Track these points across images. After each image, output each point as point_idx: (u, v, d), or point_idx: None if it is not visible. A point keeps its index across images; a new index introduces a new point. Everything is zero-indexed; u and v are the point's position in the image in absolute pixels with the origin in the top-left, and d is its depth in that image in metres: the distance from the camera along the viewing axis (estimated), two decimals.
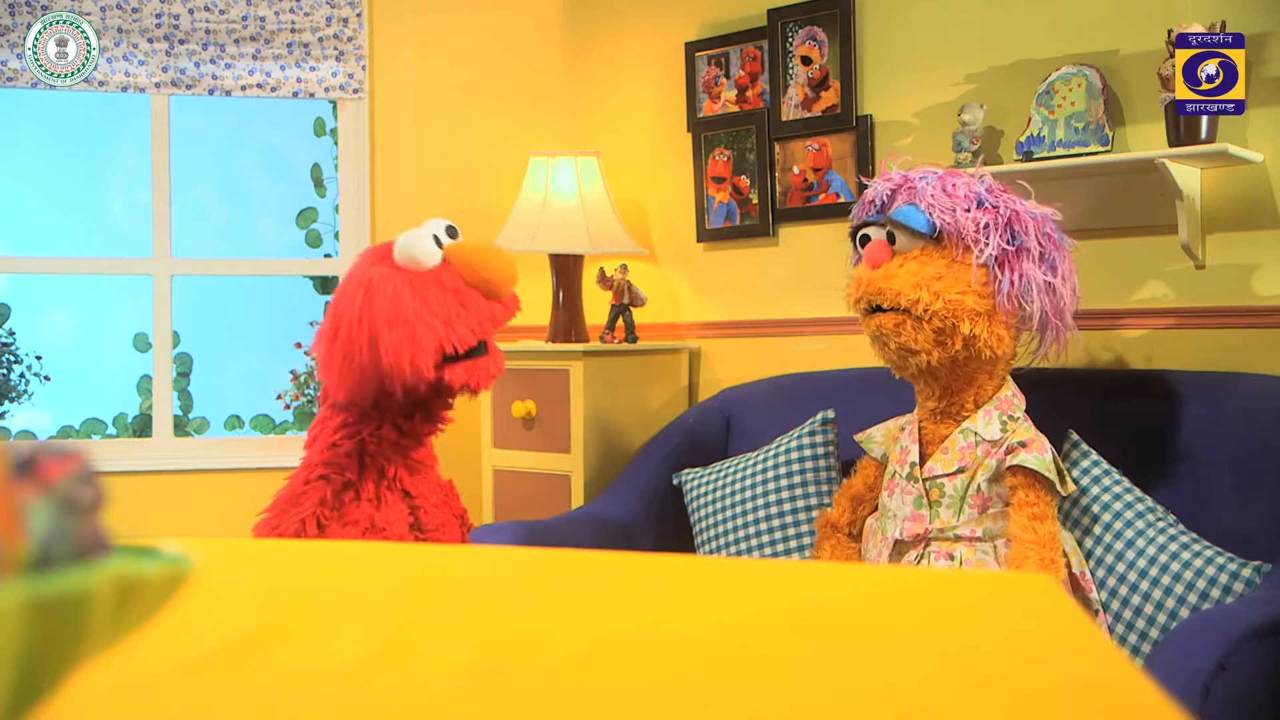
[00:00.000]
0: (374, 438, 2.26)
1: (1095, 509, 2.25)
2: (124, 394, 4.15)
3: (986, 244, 2.12)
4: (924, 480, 2.24)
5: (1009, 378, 2.28)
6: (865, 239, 2.27)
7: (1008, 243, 2.13)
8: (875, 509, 2.41)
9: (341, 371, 2.18)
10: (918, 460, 2.26)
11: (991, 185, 2.21)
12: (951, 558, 2.19)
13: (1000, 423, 2.21)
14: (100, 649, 0.42)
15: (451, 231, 2.29)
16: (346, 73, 3.66)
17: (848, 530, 2.47)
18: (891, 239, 2.21)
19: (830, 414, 2.76)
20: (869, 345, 2.31)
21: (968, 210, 2.14)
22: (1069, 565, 2.16)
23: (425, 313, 2.14)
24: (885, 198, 2.24)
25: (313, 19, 3.64)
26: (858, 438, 2.50)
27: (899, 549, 2.26)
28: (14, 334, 4.07)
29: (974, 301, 2.13)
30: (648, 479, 3.00)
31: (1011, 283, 2.12)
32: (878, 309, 2.20)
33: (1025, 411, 2.26)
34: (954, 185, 2.18)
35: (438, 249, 2.22)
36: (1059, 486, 2.13)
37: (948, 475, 2.21)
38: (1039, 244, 2.15)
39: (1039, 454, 2.14)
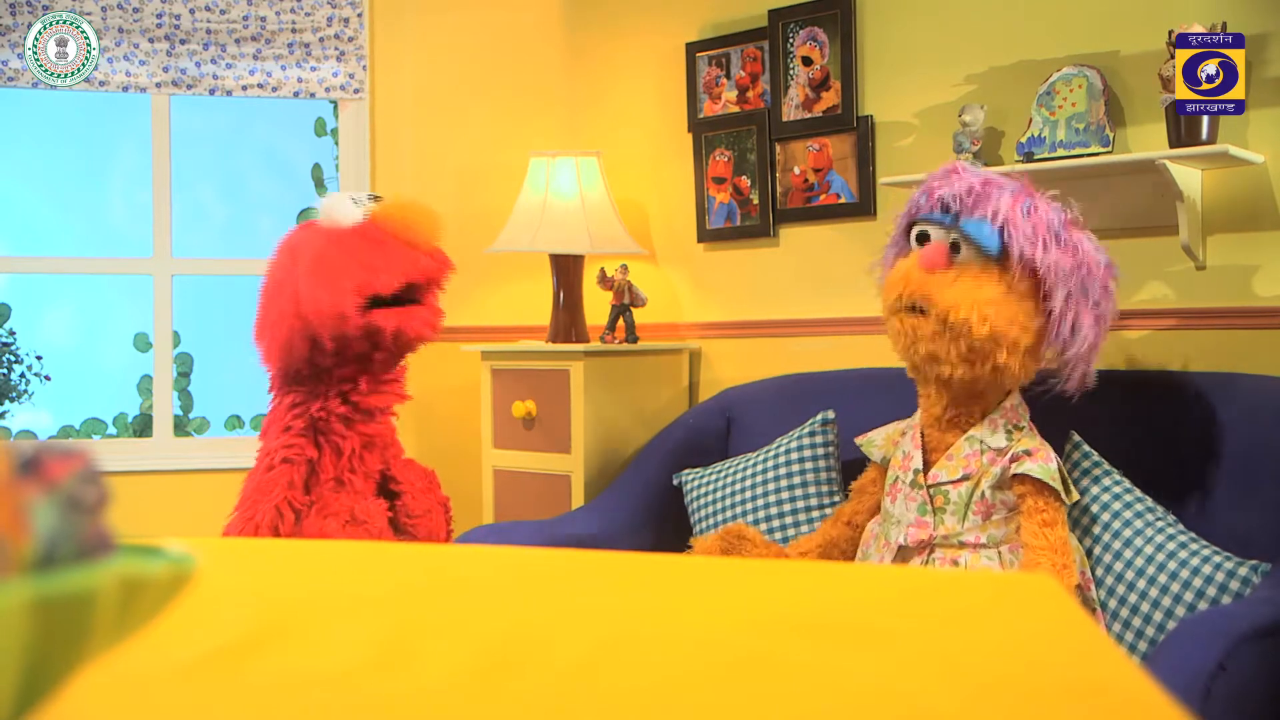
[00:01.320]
0: (323, 412, 2.26)
1: (1095, 509, 2.25)
2: (124, 394, 4.15)
3: (1054, 288, 2.07)
4: (928, 487, 2.23)
5: (1015, 389, 2.27)
6: (923, 235, 2.20)
7: (1078, 290, 2.09)
8: (877, 508, 2.41)
9: (272, 334, 2.21)
10: (921, 467, 2.26)
11: (1072, 219, 2.14)
12: (956, 564, 2.20)
13: (1006, 431, 2.21)
14: (104, 648, 0.42)
15: (375, 199, 2.31)
16: (347, 73, 3.66)
17: (849, 519, 2.47)
18: (956, 247, 2.14)
19: (830, 414, 2.76)
20: (886, 341, 2.28)
21: (1046, 247, 2.07)
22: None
23: (346, 260, 2.17)
24: (960, 201, 2.13)
25: (313, 19, 3.64)
26: (858, 441, 2.49)
27: (903, 554, 2.25)
28: (14, 334, 4.07)
29: (1019, 334, 2.10)
30: (648, 479, 3.00)
31: (1070, 329, 2.09)
32: (917, 310, 2.15)
33: (1030, 418, 2.26)
34: (1034, 210, 2.10)
35: (357, 208, 2.24)
36: (1064, 495, 2.13)
37: (952, 482, 2.21)
38: (1101, 289, 2.12)
39: (1044, 463, 2.13)
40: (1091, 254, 2.12)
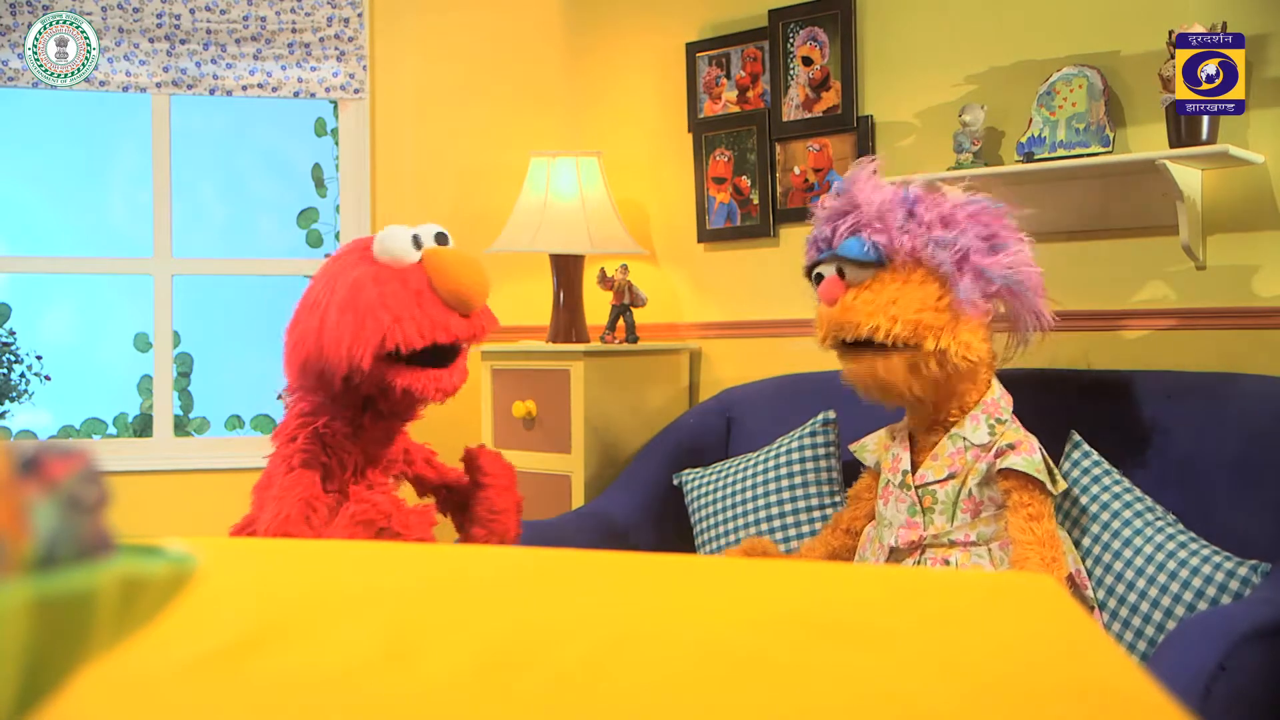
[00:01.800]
0: (327, 429, 2.24)
1: (1094, 508, 2.25)
2: (124, 394, 4.15)
3: (932, 257, 2.10)
4: (916, 488, 2.24)
5: (994, 380, 2.27)
6: (820, 278, 2.27)
7: (951, 244, 2.11)
8: (874, 514, 2.41)
9: (292, 351, 2.18)
10: (909, 468, 2.27)
11: (918, 193, 2.19)
12: (947, 563, 2.20)
13: (988, 426, 2.21)
14: (104, 648, 0.42)
15: (441, 238, 2.24)
16: (347, 73, 3.66)
17: (847, 526, 2.47)
18: (842, 273, 2.21)
19: (831, 414, 2.76)
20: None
21: (901, 227, 2.12)
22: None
23: (377, 304, 2.10)
24: (829, 233, 2.23)
25: (313, 19, 3.64)
26: (852, 447, 2.51)
27: (895, 556, 2.26)
28: (14, 334, 4.07)
29: (933, 317, 2.11)
30: (648, 479, 3.00)
31: (971, 284, 2.10)
32: (844, 344, 2.21)
33: (1016, 411, 2.26)
34: (881, 204, 2.16)
35: (415, 249, 2.18)
36: (1050, 486, 2.13)
37: (939, 482, 2.22)
38: (982, 230, 2.13)
39: (1027, 455, 2.13)
40: (946, 207, 2.14)
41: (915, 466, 2.27)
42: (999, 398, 2.25)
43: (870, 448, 2.44)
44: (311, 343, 2.14)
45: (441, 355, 2.18)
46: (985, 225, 2.15)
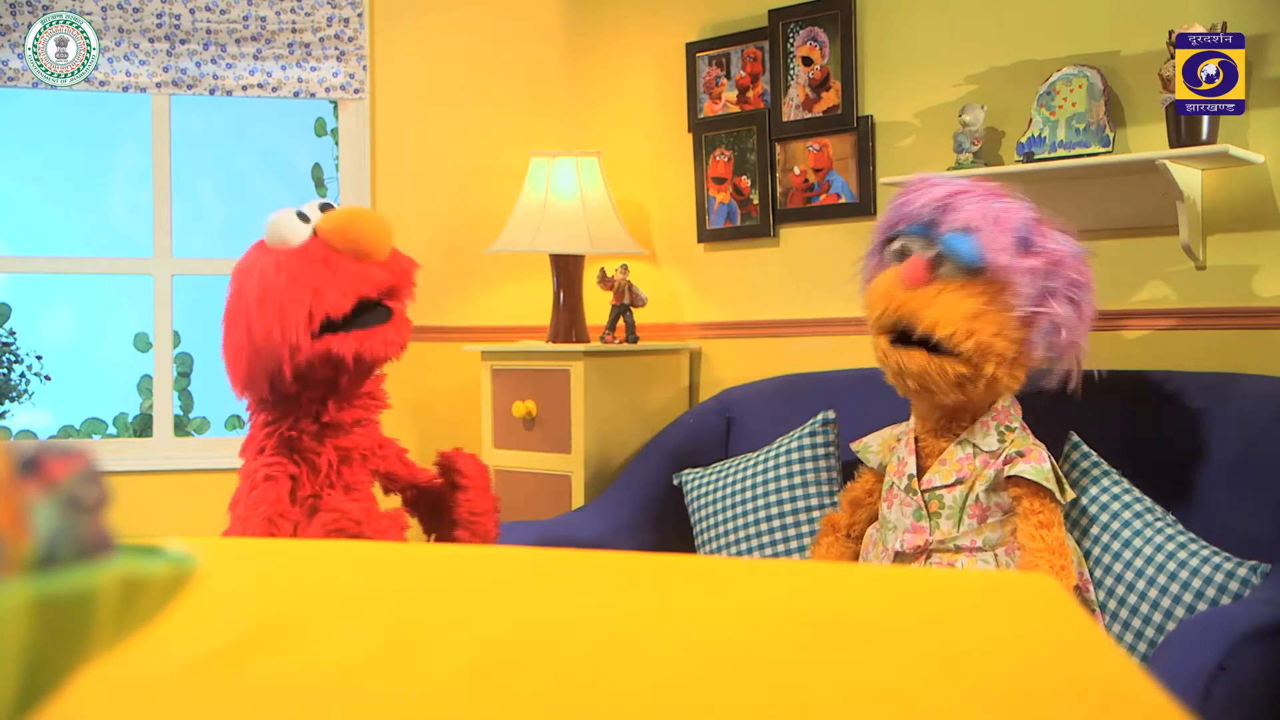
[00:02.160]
0: (294, 430, 2.19)
1: (1094, 509, 2.25)
2: (124, 394, 4.15)
3: (1027, 293, 2.06)
4: (923, 492, 2.23)
5: None
6: (902, 254, 2.18)
7: (1046, 290, 2.08)
8: (875, 517, 2.41)
9: (233, 367, 2.15)
10: (915, 472, 2.26)
11: (1036, 217, 2.13)
12: (953, 568, 2.19)
13: (998, 434, 2.20)
14: (104, 647, 0.42)
15: (326, 208, 2.20)
16: (347, 73, 3.66)
17: (847, 531, 2.47)
18: (935, 262, 2.13)
19: (830, 414, 2.76)
20: (875, 359, 2.28)
21: (1017, 255, 2.06)
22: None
23: (291, 285, 2.05)
24: (932, 212, 2.13)
25: (313, 19, 3.64)
26: (854, 447, 2.48)
27: (900, 560, 2.25)
28: (14, 334, 4.07)
29: (1004, 345, 2.09)
30: (648, 479, 3.00)
31: (1045, 332, 2.08)
32: (903, 335, 2.15)
33: (1023, 419, 2.26)
34: (999, 215, 2.09)
35: (304, 224, 2.14)
36: (1058, 495, 2.12)
37: (946, 487, 2.21)
38: (1070, 283, 2.11)
39: (1037, 464, 2.12)
40: (1061, 249, 2.11)
41: (921, 471, 2.26)
42: (1009, 405, 2.25)
43: (874, 448, 2.42)
44: (245, 348, 2.11)
45: (380, 315, 2.14)
46: (1076, 274, 2.11)
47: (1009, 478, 2.14)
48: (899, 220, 2.21)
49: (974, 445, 2.20)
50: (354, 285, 2.09)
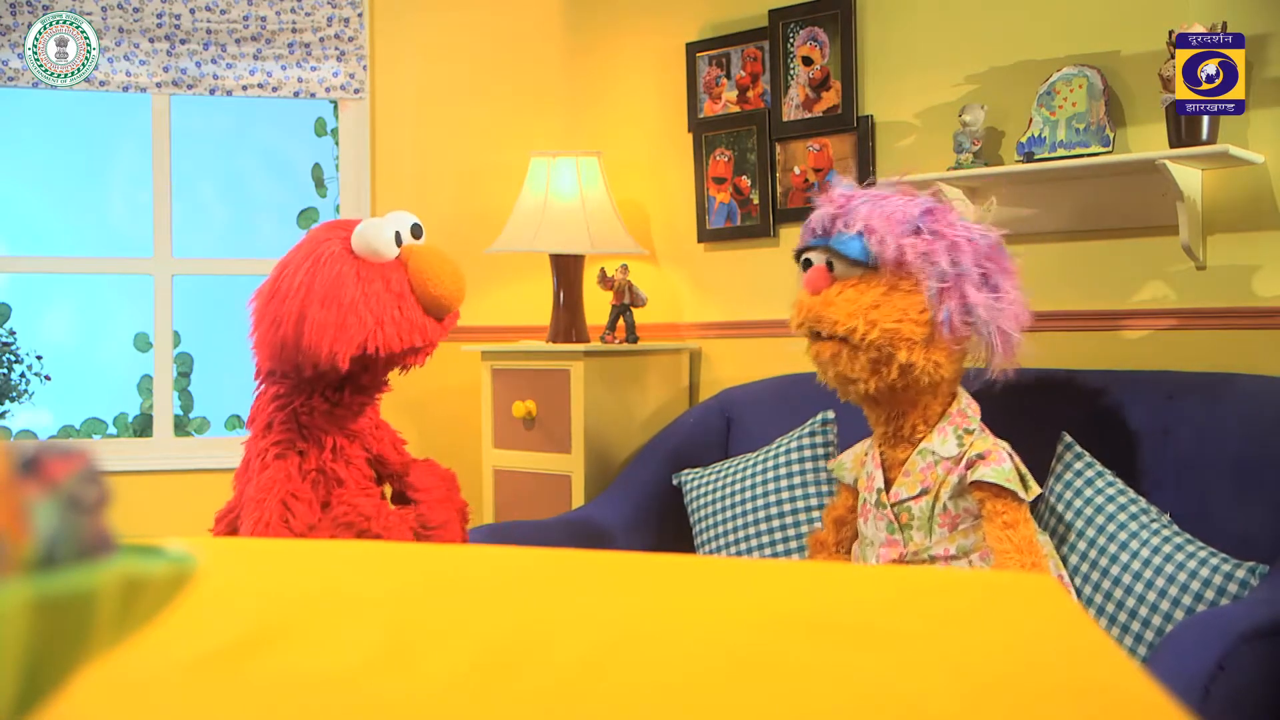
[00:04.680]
0: (305, 408, 2.26)
1: (1088, 511, 2.25)
2: (124, 394, 4.15)
3: (925, 276, 2.09)
4: (892, 506, 2.23)
5: (960, 390, 2.26)
6: (808, 262, 2.25)
7: (950, 270, 2.09)
8: (857, 535, 2.41)
9: (265, 334, 2.19)
10: (883, 486, 2.26)
11: (932, 207, 2.17)
12: (952, 568, 2.19)
13: (956, 438, 2.20)
14: (105, 648, 0.42)
15: (416, 230, 2.26)
16: (347, 73, 3.66)
17: (835, 548, 2.47)
18: (831, 265, 2.20)
19: (830, 414, 2.76)
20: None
21: (902, 236, 2.11)
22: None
23: (361, 304, 2.13)
24: (827, 223, 2.22)
25: (314, 19, 3.64)
26: (830, 466, 2.51)
27: None
28: (14, 334, 4.07)
29: (910, 329, 2.11)
30: (648, 479, 3.00)
31: (952, 311, 2.09)
32: (818, 335, 2.21)
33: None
34: (891, 211, 2.14)
35: (395, 245, 2.20)
36: (1022, 493, 2.12)
37: (913, 498, 2.21)
38: (980, 266, 2.12)
39: (997, 464, 2.12)
40: (957, 233, 2.13)
41: (889, 484, 2.26)
42: (965, 407, 2.24)
43: (848, 465, 2.43)
44: (290, 332, 2.15)
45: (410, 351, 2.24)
46: (987, 261, 2.14)
47: (972, 482, 2.14)
48: (805, 236, 2.30)
49: (934, 453, 2.20)
50: (412, 333, 2.19)
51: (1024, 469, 2.16)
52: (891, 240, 2.11)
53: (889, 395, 2.19)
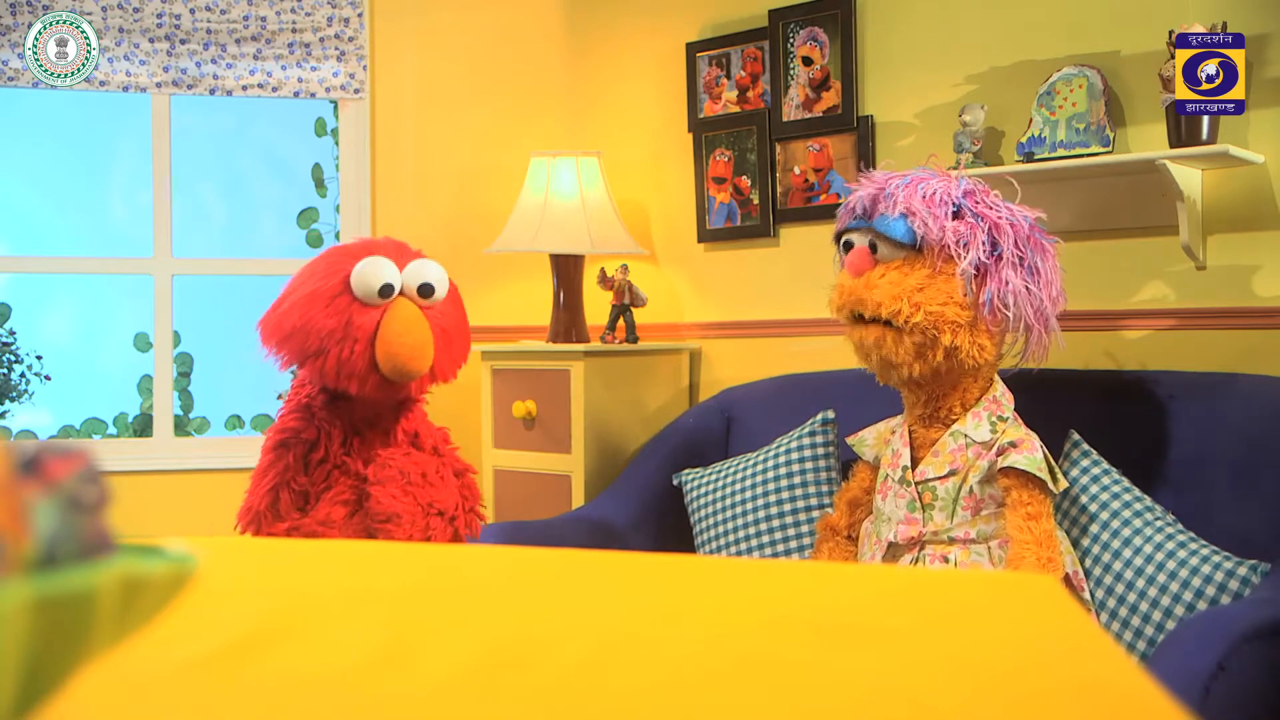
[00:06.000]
0: (310, 398, 2.34)
1: (1094, 508, 2.25)
2: (124, 394, 4.15)
3: (965, 256, 2.10)
4: (916, 484, 2.23)
5: (996, 377, 2.27)
6: (849, 245, 2.25)
7: (988, 253, 2.11)
8: (870, 514, 2.41)
9: (286, 337, 2.29)
10: (910, 464, 2.26)
11: (971, 188, 2.18)
12: (946, 560, 2.20)
13: (990, 424, 2.21)
14: (105, 648, 0.42)
15: (425, 290, 2.38)
16: (347, 73, 3.66)
17: (846, 533, 2.47)
18: (874, 247, 2.20)
19: (830, 414, 2.76)
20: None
21: (945, 218, 2.12)
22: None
23: (319, 327, 2.31)
24: (868, 203, 2.21)
25: (314, 19, 3.64)
26: (850, 440, 2.50)
27: (893, 551, 2.26)
28: (14, 334, 4.07)
29: (955, 313, 2.12)
30: (648, 479, 3.00)
31: (993, 292, 2.11)
32: (860, 318, 2.21)
33: (1016, 410, 2.26)
34: (932, 192, 2.15)
35: (379, 297, 2.32)
36: (1051, 485, 2.13)
37: (939, 478, 2.21)
38: (1019, 249, 2.13)
39: (1029, 454, 2.13)
40: (998, 214, 2.14)
41: (915, 462, 2.27)
42: (1001, 395, 2.25)
43: (869, 442, 2.44)
44: (315, 347, 2.30)
45: None
46: (1027, 241, 2.15)
47: (1001, 469, 2.15)
48: (844, 218, 2.29)
49: (966, 436, 2.21)
50: (350, 380, 2.31)
51: (1053, 462, 2.17)
52: (934, 222, 2.11)
53: (932, 378, 2.20)
